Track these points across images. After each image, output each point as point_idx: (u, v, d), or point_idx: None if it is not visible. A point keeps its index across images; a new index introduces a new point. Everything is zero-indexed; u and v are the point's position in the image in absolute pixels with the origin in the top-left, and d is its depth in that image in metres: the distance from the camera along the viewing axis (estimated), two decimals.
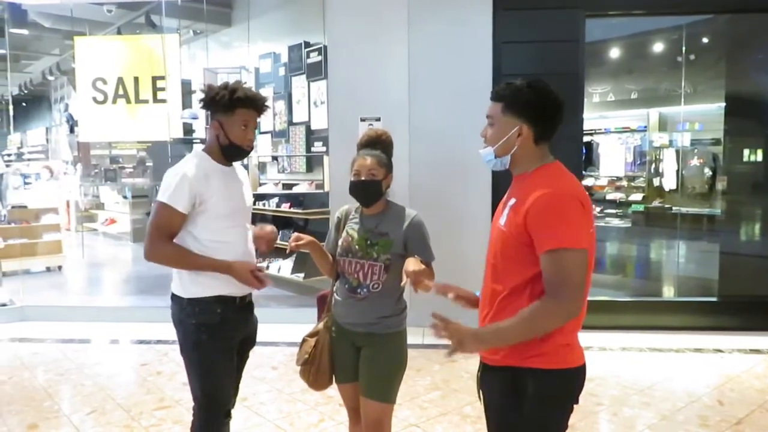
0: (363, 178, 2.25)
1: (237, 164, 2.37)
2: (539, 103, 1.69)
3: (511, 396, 1.69)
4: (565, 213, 1.59)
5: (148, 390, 4.05)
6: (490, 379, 1.79)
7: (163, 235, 2.15)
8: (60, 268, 8.20)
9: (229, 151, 2.23)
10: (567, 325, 1.65)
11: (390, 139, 2.35)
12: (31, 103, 14.99)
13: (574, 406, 1.75)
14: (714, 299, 5.62)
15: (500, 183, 1.58)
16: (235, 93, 2.16)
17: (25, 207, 8.25)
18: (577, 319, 1.68)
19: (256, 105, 2.22)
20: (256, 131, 2.33)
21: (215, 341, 2.21)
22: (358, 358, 2.32)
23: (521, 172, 1.74)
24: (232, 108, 2.17)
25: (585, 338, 1.75)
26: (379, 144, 2.31)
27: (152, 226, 2.14)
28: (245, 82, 2.25)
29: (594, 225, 1.69)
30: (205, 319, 2.19)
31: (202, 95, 2.24)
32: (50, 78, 12.62)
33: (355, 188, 2.28)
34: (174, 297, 2.26)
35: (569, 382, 1.70)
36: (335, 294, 2.40)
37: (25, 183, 9.63)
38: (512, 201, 1.71)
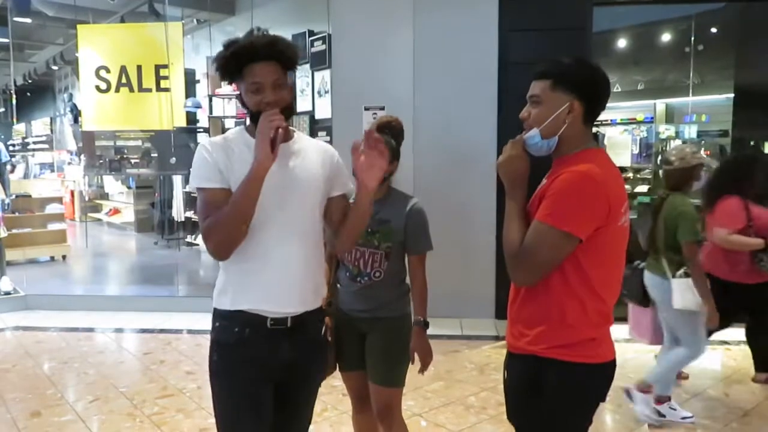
0: None
1: (300, 138, 1.86)
2: (592, 78, 1.62)
3: (532, 384, 1.64)
4: (578, 194, 1.52)
5: (151, 379, 4.05)
6: (513, 365, 1.75)
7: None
8: (64, 257, 8.22)
9: (256, 120, 1.69)
10: (593, 318, 1.59)
11: (400, 126, 2.35)
12: (36, 93, 14.97)
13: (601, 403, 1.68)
14: None
15: None
16: (230, 49, 1.67)
17: (29, 196, 8.25)
18: (604, 313, 1.62)
19: (269, 54, 1.67)
20: (289, 87, 1.73)
21: (227, 365, 1.77)
22: (364, 346, 2.29)
23: (561, 155, 1.64)
24: (239, 70, 1.70)
25: None
26: (387, 129, 2.28)
27: (199, 218, 1.75)
28: (263, 30, 1.74)
29: (625, 218, 1.62)
30: (219, 336, 1.79)
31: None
32: (54, 68, 12.61)
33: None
34: None
35: (593, 378, 1.62)
36: (338, 282, 2.36)
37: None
38: (543, 182, 1.66)
